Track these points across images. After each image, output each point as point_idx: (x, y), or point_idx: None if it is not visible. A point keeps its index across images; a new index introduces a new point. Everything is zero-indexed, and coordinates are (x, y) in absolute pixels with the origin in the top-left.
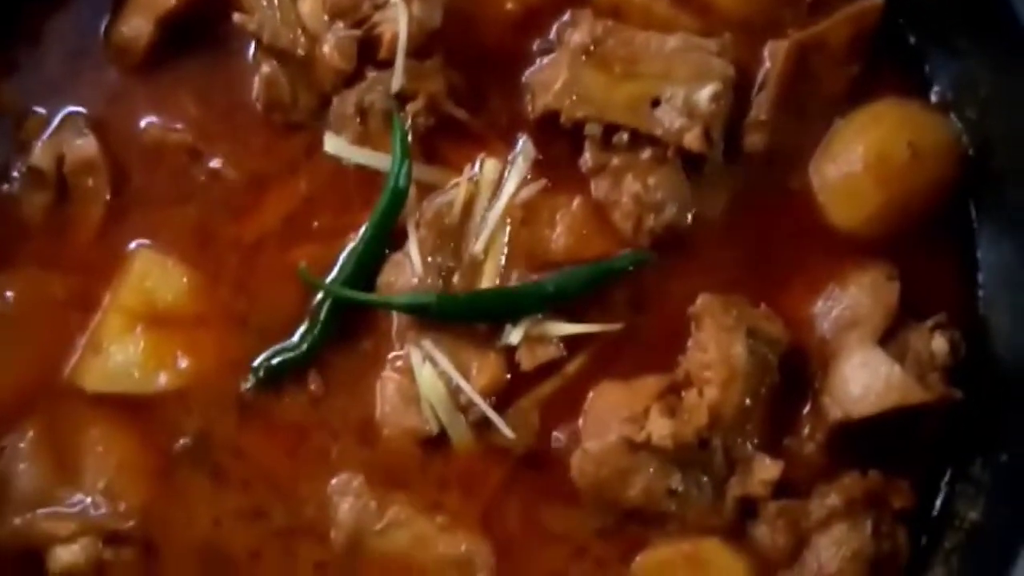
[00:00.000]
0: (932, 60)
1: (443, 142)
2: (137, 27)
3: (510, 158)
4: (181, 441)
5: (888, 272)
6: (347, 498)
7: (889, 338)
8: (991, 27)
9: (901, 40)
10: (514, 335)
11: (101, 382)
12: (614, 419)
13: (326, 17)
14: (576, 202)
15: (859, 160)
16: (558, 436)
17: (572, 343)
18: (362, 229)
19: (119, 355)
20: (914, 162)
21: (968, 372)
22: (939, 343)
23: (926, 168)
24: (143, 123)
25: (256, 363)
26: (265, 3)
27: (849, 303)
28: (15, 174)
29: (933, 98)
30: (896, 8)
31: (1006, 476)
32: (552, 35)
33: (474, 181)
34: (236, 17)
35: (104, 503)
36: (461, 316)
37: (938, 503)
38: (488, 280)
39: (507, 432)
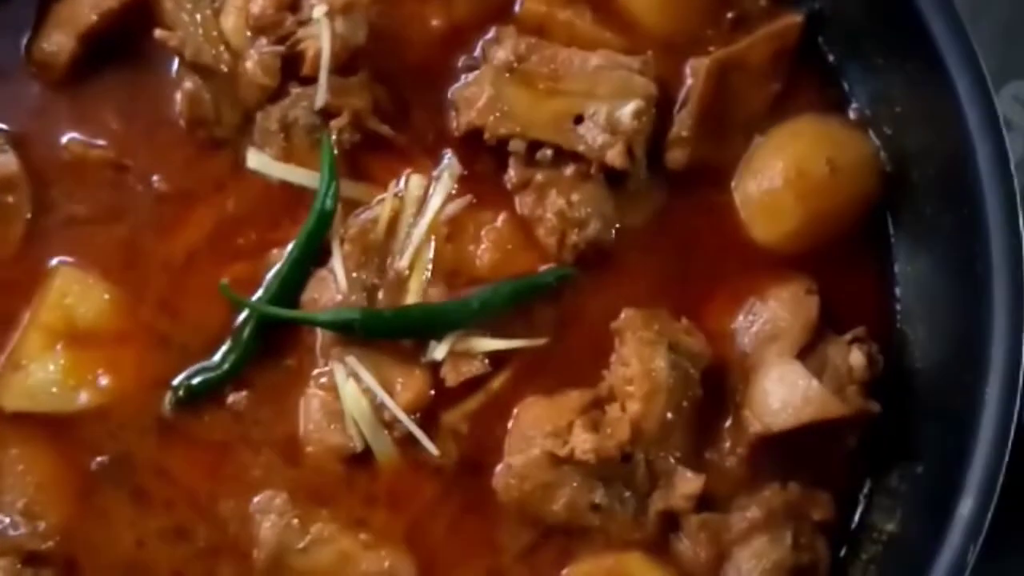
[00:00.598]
0: (850, 77)
1: (368, 158)
2: (58, 42)
3: (435, 174)
4: (98, 459)
5: (808, 286)
6: (269, 516)
7: (808, 352)
8: (905, 44)
9: (820, 57)
10: (439, 351)
11: (20, 400)
12: (538, 434)
13: (249, 33)
14: (501, 218)
15: (779, 176)
16: (482, 452)
17: (497, 359)
18: (288, 247)
19: (39, 372)
20: (833, 178)
21: (886, 385)
22: (857, 357)
23: (845, 183)
24: (65, 139)
25: (177, 382)
26: (187, 19)
27: (769, 317)
28: None
29: (851, 115)
30: (815, 26)
31: (922, 488)
32: (477, 52)
33: (399, 197)
34: (158, 33)
35: (23, 522)
36: (385, 332)
37: (857, 515)
38: (413, 296)
39: (431, 448)
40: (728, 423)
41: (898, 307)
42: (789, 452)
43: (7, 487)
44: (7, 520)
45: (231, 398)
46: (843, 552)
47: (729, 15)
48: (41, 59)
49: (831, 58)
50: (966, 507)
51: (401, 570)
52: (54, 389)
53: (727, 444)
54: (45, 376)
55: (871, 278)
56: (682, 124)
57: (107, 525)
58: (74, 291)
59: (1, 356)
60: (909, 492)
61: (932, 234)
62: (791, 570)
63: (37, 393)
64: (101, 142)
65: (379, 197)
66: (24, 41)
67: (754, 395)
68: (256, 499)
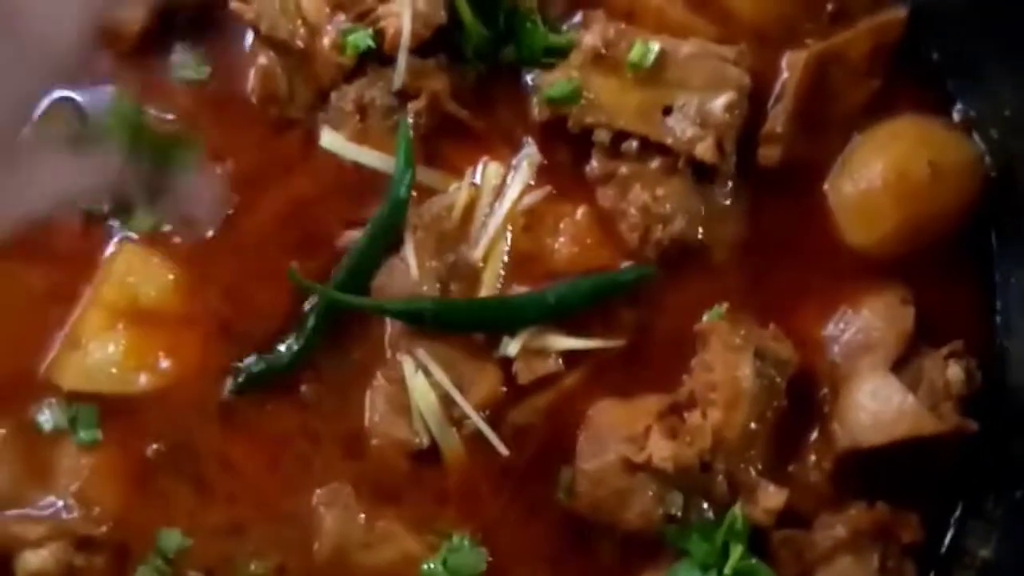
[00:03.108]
0: (955, 76)
1: (445, 143)
2: (132, 12)
3: (514, 163)
4: (155, 446)
5: (903, 296)
6: (334, 508)
7: (902, 365)
8: (1016, 46)
9: (923, 55)
10: (512, 347)
11: (79, 380)
12: (613, 438)
13: (327, 9)
14: (581, 211)
15: (877, 177)
16: (553, 453)
17: (571, 357)
18: (359, 233)
19: (98, 352)
20: (934, 181)
21: (984, 403)
22: (954, 372)
23: (946, 188)
24: None
25: (240, 367)
26: None
27: (862, 327)
28: None
29: (955, 116)
30: (919, 23)
31: (1020, 513)
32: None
33: (476, 185)
34: (233, 4)
35: (77, 507)
36: (457, 325)
37: (948, 539)
38: (487, 288)
39: (501, 448)
40: (814, 436)
41: (998, 320)
42: (878, 469)
43: (62, 469)
44: (60, 503)
45: (296, 388)
46: None
47: (829, 7)
48: (113, 28)
49: (935, 56)
50: None
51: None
52: (113, 370)
53: (812, 458)
54: (104, 356)
55: (971, 289)
56: (776, 119)
57: (164, 513)
58: (138, 270)
59: (60, 334)
60: (1005, 517)
61: None
62: None
63: (96, 373)
64: (170, 116)
65: (455, 184)
66: (96, 9)
67: (844, 408)
68: (320, 491)
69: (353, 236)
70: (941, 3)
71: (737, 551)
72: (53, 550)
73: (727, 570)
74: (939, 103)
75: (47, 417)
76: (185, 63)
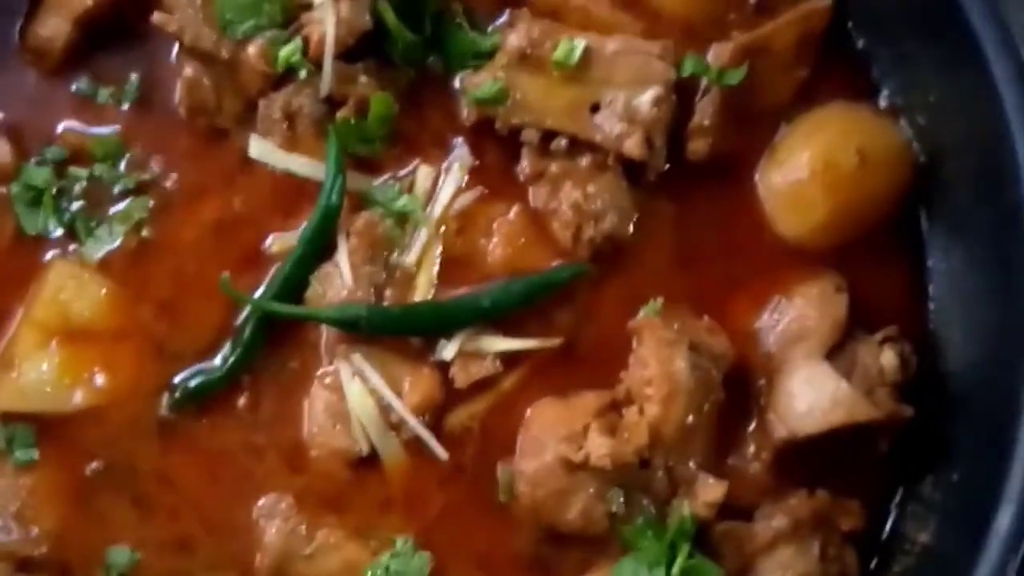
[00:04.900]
0: (881, 64)
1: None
2: (54, 28)
3: (445, 165)
4: (94, 464)
5: (836, 283)
6: (274, 521)
7: (837, 352)
8: (940, 30)
9: (849, 43)
10: (448, 350)
11: (13, 400)
12: (551, 438)
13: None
14: (513, 211)
15: (806, 167)
16: (493, 455)
17: (509, 358)
18: (292, 242)
19: (32, 371)
20: (863, 169)
21: (919, 388)
22: (889, 357)
23: (875, 175)
24: (61, 128)
25: (176, 382)
26: (186, 2)
27: (795, 315)
28: None
29: (882, 103)
30: (844, 11)
31: (958, 497)
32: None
33: (407, 189)
34: (156, 17)
35: (16, 528)
36: (393, 330)
37: (888, 525)
38: (421, 293)
39: (440, 452)
40: (752, 427)
41: (932, 306)
42: (816, 458)
43: (1, 489)
44: (0, 524)
45: (233, 400)
46: (873, 564)
47: None
48: (36, 45)
49: (860, 43)
50: (1005, 518)
51: None
52: (48, 388)
53: (751, 449)
54: (38, 375)
55: (903, 275)
56: (703, 113)
57: (105, 532)
58: (69, 286)
59: None
60: (944, 501)
61: (968, 229)
62: None
63: (30, 392)
64: (99, 131)
65: (386, 189)
66: (18, 27)
67: (779, 398)
68: (260, 503)
69: (284, 242)
70: None
71: (684, 550)
72: None
73: (675, 569)
74: (866, 91)
75: None
76: (110, 76)
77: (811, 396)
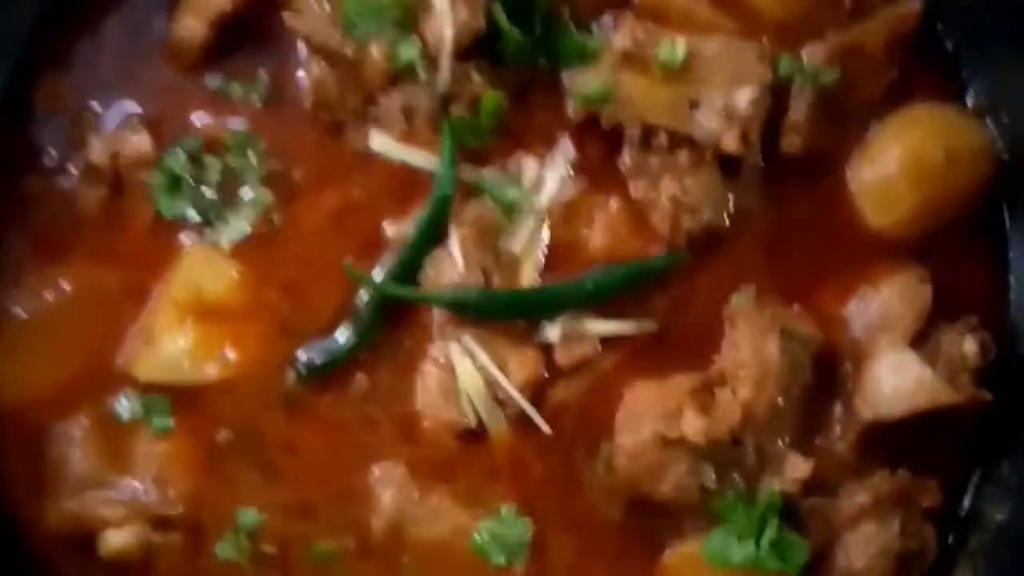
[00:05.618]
0: (968, 66)
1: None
2: (191, 28)
3: (550, 158)
4: (223, 432)
5: (920, 274)
6: (389, 487)
7: (920, 340)
8: None
9: (938, 46)
10: (552, 332)
11: (153, 372)
12: (648, 416)
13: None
14: (614, 202)
15: (895, 163)
16: (592, 430)
17: (608, 341)
18: (408, 229)
19: (170, 346)
20: (949, 166)
21: (998, 374)
22: (970, 345)
23: (960, 172)
24: (196, 121)
25: (300, 358)
26: (315, 4)
27: (881, 305)
28: (72, 170)
29: (968, 103)
30: (934, 14)
31: None
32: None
33: (515, 180)
34: (287, 18)
35: (153, 489)
36: (500, 313)
37: (966, 503)
38: (527, 278)
39: (543, 426)
40: (838, 409)
41: (1011, 297)
42: (899, 439)
43: (139, 455)
44: (139, 486)
45: (352, 375)
46: (951, 540)
47: (847, 1)
48: (175, 43)
49: (949, 46)
50: None
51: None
52: (183, 362)
53: (836, 430)
54: (175, 349)
55: (984, 267)
56: (797, 110)
57: (234, 495)
58: (203, 268)
59: (134, 329)
60: (1020, 482)
61: None
62: (898, 556)
63: (167, 365)
64: (232, 123)
65: (495, 180)
66: (159, 26)
67: (866, 382)
68: (376, 471)
69: (400, 230)
70: None
71: (773, 524)
72: (133, 529)
73: (764, 541)
74: (953, 91)
75: (124, 407)
76: (241, 73)
77: (896, 381)
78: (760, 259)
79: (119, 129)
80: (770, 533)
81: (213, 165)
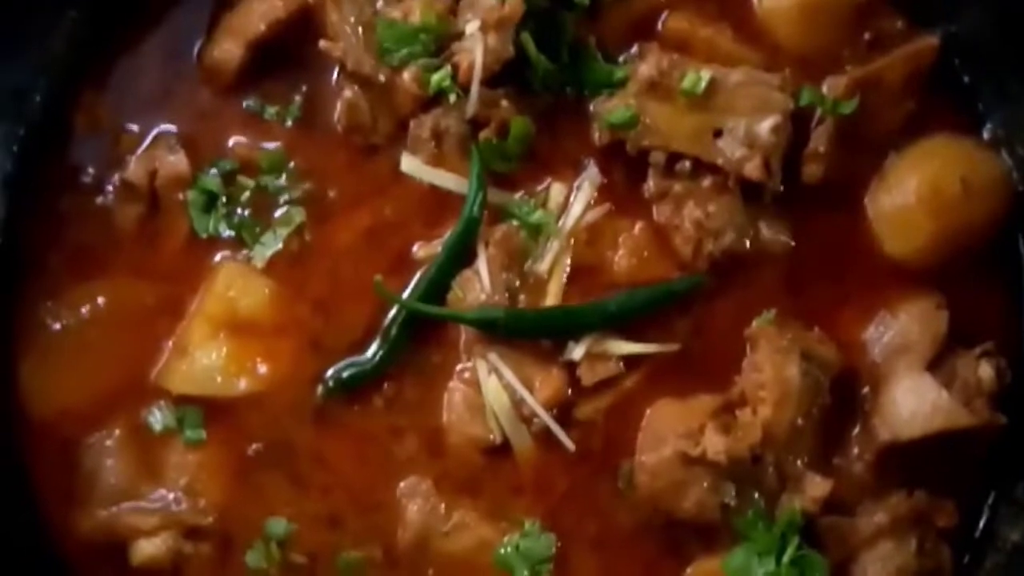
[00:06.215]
0: (985, 99)
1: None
2: (228, 51)
3: (576, 183)
4: (255, 445)
5: (938, 301)
6: (415, 500)
7: (937, 364)
8: None
9: (956, 79)
10: (576, 351)
11: (186, 384)
12: (670, 434)
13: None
14: (638, 226)
15: (913, 193)
16: (615, 448)
17: (631, 361)
18: (437, 249)
19: (203, 359)
20: (966, 196)
21: (1013, 398)
22: (985, 370)
23: (977, 202)
24: (231, 142)
25: (329, 374)
26: (350, 31)
27: (899, 330)
28: (110, 187)
29: (985, 135)
30: (951, 48)
31: None
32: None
33: (542, 204)
34: (322, 44)
35: (185, 499)
36: (526, 332)
37: (981, 524)
38: (552, 298)
39: (568, 443)
40: (856, 430)
41: None
42: (916, 460)
43: (171, 465)
44: (170, 496)
45: (380, 390)
46: (966, 560)
47: (866, 35)
48: (211, 65)
49: (966, 79)
50: None
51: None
52: (216, 375)
53: (855, 451)
54: (208, 362)
55: (1000, 295)
56: (819, 140)
57: (264, 505)
58: (237, 284)
59: (168, 343)
60: None
61: None
62: (915, 575)
63: (200, 378)
64: (265, 145)
65: (522, 203)
66: (196, 47)
67: (884, 404)
68: (403, 484)
69: (429, 250)
70: (972, 30)
71: (794, 542)
72: (164, 538)
73: (785, 559)
74: (970, 124)
75: (157, 418)
76: (276, 96)
77: (913, 404)
78: (781, 284)
79: (156, 149)
80: (791, 551)
81: (247, 184)
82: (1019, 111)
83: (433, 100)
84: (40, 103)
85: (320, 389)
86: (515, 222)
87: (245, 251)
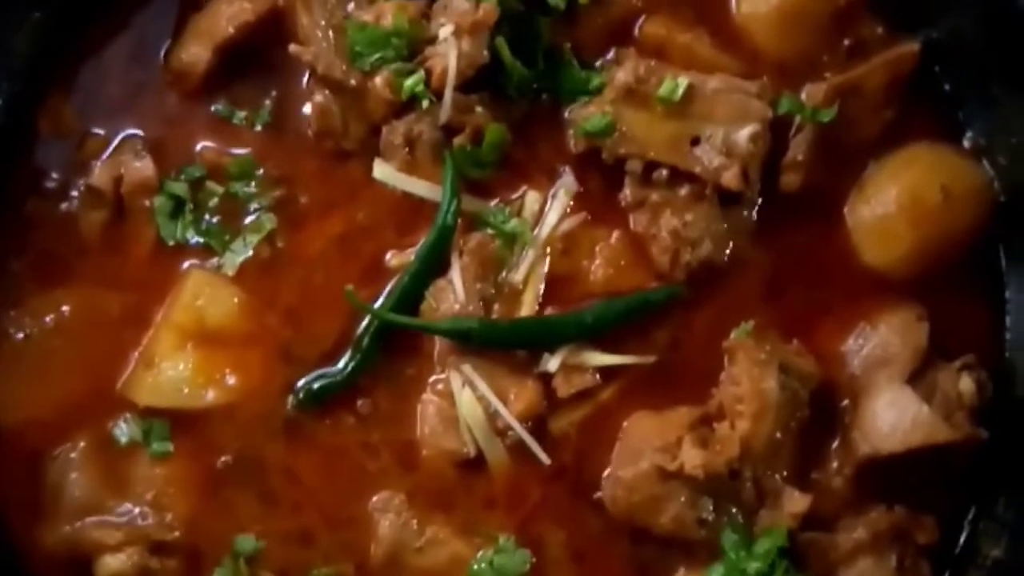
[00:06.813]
0: (966, 106)
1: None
2: (196, 54)
3: (552, 191)
4: (223, 458)
5: (918, 313)
6: (388, 515)
7: (918, 377)
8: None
9: (936, 86)
10: (551, 363)
11: (152, 396)
12: (647, 448)
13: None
14: (615, 235)
15: (892, 202)
16: (590, 462)
17: (607, 373)
18: (409, 258)
19: (170, 370)
20: (946, 205)
21: (994, 412)
22: (966, 383)
23: (958, 212)
24: (199, 147)
25: (300, 384)
26: (320, 34)
27: (879, 342)
28: (74, 193)
29: (966, 144)
30: (932, 55)
31: None
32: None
33: (516, 212)
34: (293, 48)
35: (151, 514)
36: (501, 343)
37: (962, 540)
38: (527, 308)
39: (542, 456)
40: (836, 444)
41: (1008, 336)
42: (895, 475)
43: (137, 479)
44: (136, 511)
45: (352, 403)
46: None
47: (846, 42)
48: (178, 69)
49: (947, 87)
50: None
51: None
52: (183, 387)
53: (834, 465)
54: (175, 374)
55: (981, 306)
56: (797, 148)
57: (233, 521)
58: (205, 293)
59: (134, 354)
60: (1016, 519)
61: None
62: None
63: (167, 390)
64: (234, 150)
65: (497, 211)
66: (163, 51)
67: (863, 418)
68: (375, 498)
69: (402, 259)
70: (953, 37)
71: (782, 566)
72: (130, 554)
73: None
74: (951, 131)
75: (123, 431)
76: (245, 100)
77: (893, 417)
78: (759, 294)
79: (122, 153)
80: (779, 573)
81: (216, 191)
82: (1000, 119)
83: (406, 106)
84: (3, 106)
85: (290, 400)
86: (490, 231)
87: (215, 259)
